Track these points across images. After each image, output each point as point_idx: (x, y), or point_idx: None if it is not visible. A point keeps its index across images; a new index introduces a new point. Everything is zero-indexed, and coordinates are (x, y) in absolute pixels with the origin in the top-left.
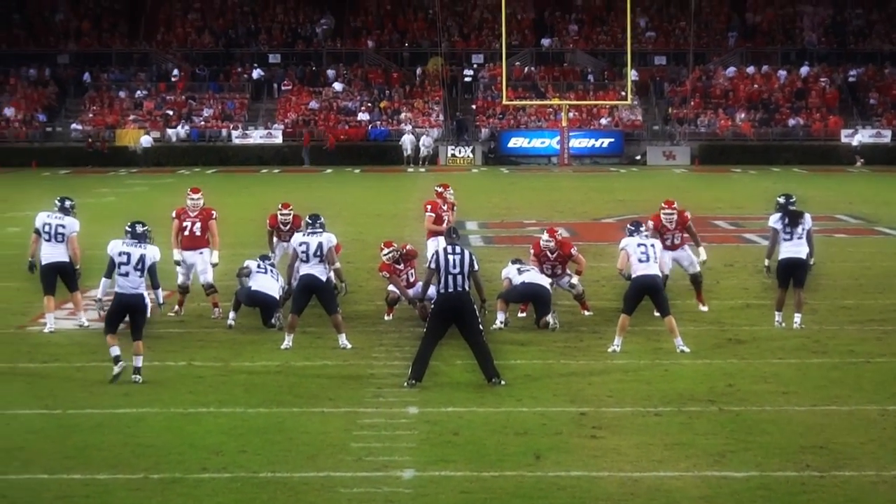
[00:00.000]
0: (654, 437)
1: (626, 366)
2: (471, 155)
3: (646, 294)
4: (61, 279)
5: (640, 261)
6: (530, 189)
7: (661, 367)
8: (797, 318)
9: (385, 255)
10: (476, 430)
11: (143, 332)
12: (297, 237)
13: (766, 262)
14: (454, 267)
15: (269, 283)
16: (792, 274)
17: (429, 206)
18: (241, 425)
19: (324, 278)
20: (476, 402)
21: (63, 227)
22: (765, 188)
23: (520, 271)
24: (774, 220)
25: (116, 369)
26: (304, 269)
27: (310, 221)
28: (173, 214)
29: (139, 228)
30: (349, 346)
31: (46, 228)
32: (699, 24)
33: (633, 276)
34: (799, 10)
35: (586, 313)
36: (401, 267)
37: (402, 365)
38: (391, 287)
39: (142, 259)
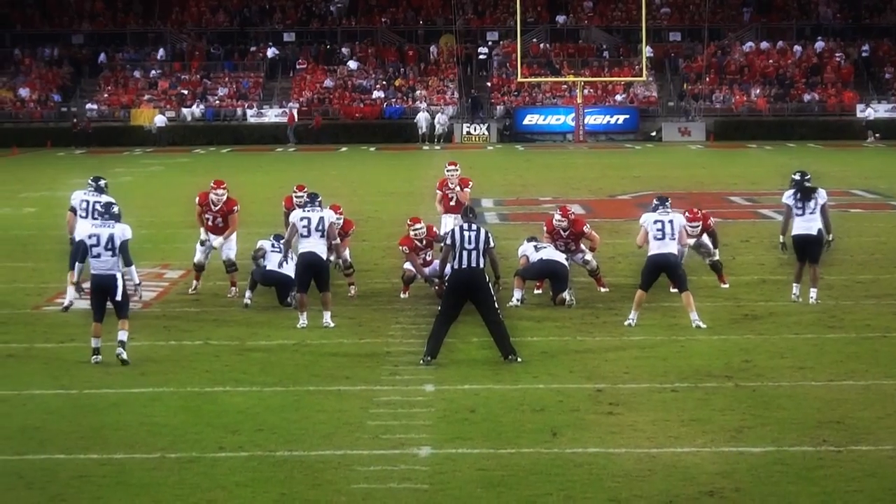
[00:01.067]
0: (671, 413)
1: (642, 342)
2: (486, 132)
3: (661, 271)
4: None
5: (656, 238)
6: (545, 166)
7: (678, 343)
8: (813, 293)
9: (414, 229)
10: (492, 408)
11: (126, 310)
12: (298, 213)
13: (781, 238)
14: (469, 243)
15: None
16: (804, 249)
17: (437, 186)
18: (257, 404)
19: (324, 255)
20: (492, 380)
21: (99, 202)
22: (780, 164)
23: (536, 248)
24: (787, 196)
25: (94, 360)
26: (305, 246)
27: (308, 200)
28: (197, 200)
29: (112, 208)
30: (332, 325)
31: (84, 206)
32: None
33: (649, 253)
34: None
35: (602, 290)
36: (422, 245)
37: (418, 343)
38: (407, 265)
39: (111, 239)
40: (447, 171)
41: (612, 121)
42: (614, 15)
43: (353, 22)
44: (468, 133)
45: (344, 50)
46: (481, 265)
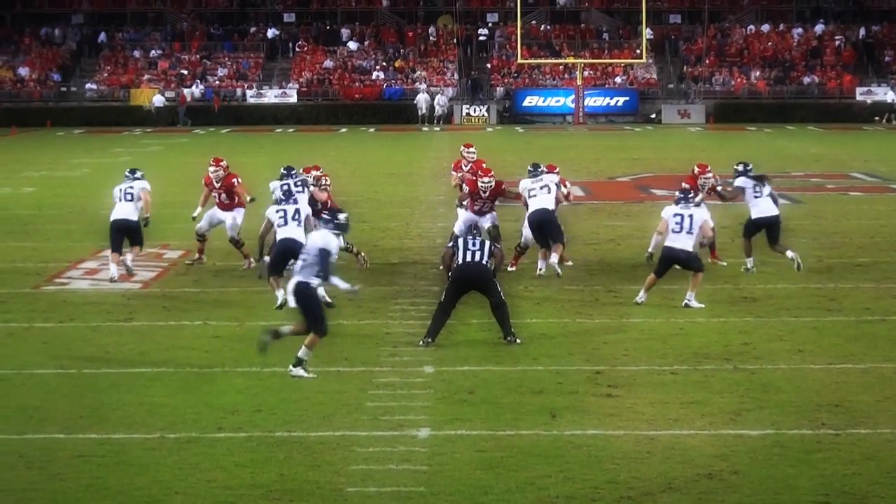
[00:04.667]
0: (670, 396)
1: (641, 324)
2: (485, 114)
3: (673, 264)
4: (127, 236)
5: (673, 230)
6: (545, 148)
7: (677, 325)
8: (791, 253)
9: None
10: (491, 389)
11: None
12: (274, 206)
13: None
14: (473, 245)
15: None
16: (770, 229)
17: (453, 170)
18: (256, 385)
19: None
20: (491, 361)
21: (132, 187)
22: (780, 146)
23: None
24: (743, 181)
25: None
26: (283, 234)
27: (283, 198)
28: (203, 182)
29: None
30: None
31: (118, 193)
32: None
33: (664, 243)
34: None
35: (512, 269)
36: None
37: (417, 324)
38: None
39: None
40: (465, 152)
41: (612, 103)
42: None
43: (352, 3)
44: (468, 114)
45: (344, 31)
46: (485, 261)
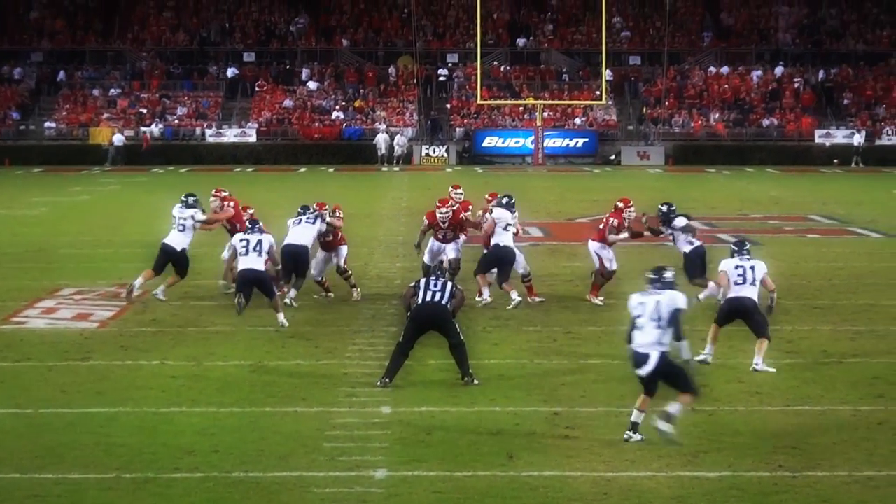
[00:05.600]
0: None
1: (599, 366)
2: (445, 154)
3: (737, 317)
4: (172, 264)
5: (736, 283)
6: (504, 188)
7: None
8: (702, 294)
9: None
10: (449, 430)
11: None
12: (238, 235)
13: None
14: (435, 286)
15: (302, 234)
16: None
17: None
18: (213, 425)
19: (261, 269)
20: (449, 402)
21: (184, 218)
22: (739, 188)
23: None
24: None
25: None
26: (244, 263)
27: (250, 227)
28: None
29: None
30: (286, 324)
31: (172, 220)
32: (674, 24)
33: (728, 296)
34: (774, 11)
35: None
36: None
37: (375, 365)
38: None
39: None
40: (453, 193)
41: (572, 144)
42: (574, 38)
43: (312, 42)
44: (427, 155)
45: (304, 70)
46: (444, 302)
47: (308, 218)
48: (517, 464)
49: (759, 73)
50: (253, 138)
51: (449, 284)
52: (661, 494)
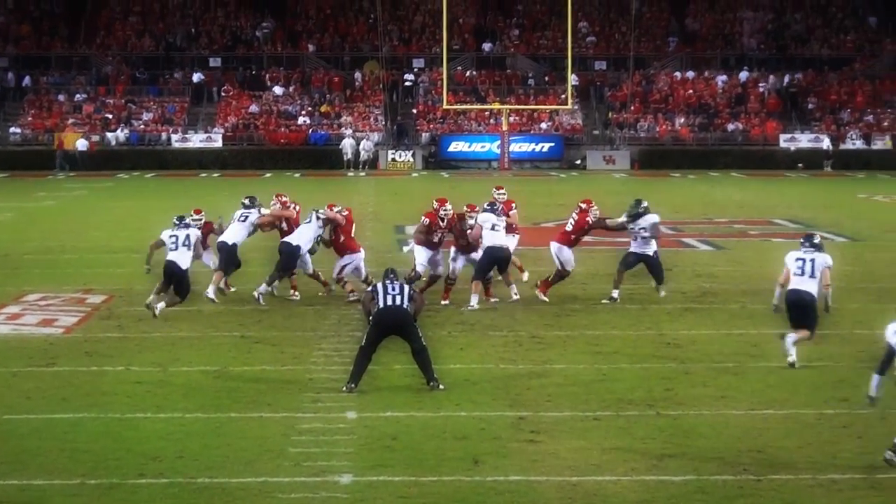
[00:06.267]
0: (593, 442)
1: (564, 370)
2: (411, 159)
3: (797, 309)
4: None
5: (796, 274)
6: (470, 193)
7: (600, 371)
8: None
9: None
10: (414, 435)
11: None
12: (167, 231)
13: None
14: (393, 290)
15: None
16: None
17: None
18: (178, 430)
19: (185, 266)
20: (415, 407)
21: (245, 216)
22: (704, 192)
23: (493, 227)
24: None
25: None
26: (170, 256)
27: (176, 222)
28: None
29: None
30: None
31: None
32: (639, 29)
33: (788, 288)
34: (739, 16)
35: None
36: (443, 225)
37: (341, 370)
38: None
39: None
40: (496, 193)
41: (538, 148)
42: (540, 43)
43: (278, 47)
44: (393, 160)
45: (270, 76)
46: (405, 305)
47: (318, 221)
48: (483, 469)
49: (725, 77)
50: (219, 143)
51: (406, 287)
52: (627, 499)
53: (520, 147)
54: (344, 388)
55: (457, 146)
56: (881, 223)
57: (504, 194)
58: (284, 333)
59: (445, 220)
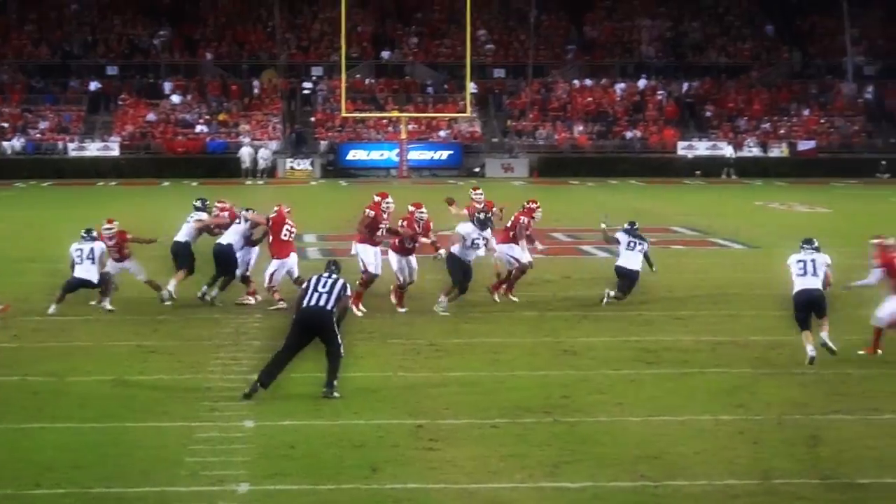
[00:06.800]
0: (490, 449)
1: (463, 378)
2: (310, 167)
3: (810, 306)
4: (178, 258)
5: (798, 274)
6: (369, 201)
7: (498, 379)
8: (610, 294)
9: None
10: (312, 443)
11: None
12: (74, 244)
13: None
14: (323, 287)
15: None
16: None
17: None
18: (74, 440)
19: (94, 280)
20: (313, 415)
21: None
22: (602, 200)
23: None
24: (621, 234)
25: None
26: (77, 271)
27: (84, 235)
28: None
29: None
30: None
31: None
32: (538, 37)
33: (794, 290)
34: (637, 24)
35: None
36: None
37: (238, 379)
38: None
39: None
40: (473, 195)
41: (436, 156)
42: (439, 51)
43: (175, 56)
44: (292, 168)
45: (167, 84)
46: (329, 307)
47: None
48: (380, 476)
49: (623, 85)
50: (116, 152)
51: (338, 285)
52: None
53: (419, 155)
54: (248, 390)
55: (355, 154)
56: (778, 230)
57: (482, 194)
58: (181, 342)
59: (388, 213)
